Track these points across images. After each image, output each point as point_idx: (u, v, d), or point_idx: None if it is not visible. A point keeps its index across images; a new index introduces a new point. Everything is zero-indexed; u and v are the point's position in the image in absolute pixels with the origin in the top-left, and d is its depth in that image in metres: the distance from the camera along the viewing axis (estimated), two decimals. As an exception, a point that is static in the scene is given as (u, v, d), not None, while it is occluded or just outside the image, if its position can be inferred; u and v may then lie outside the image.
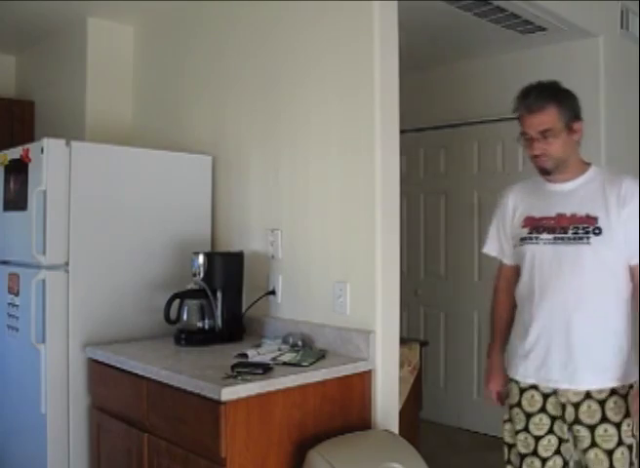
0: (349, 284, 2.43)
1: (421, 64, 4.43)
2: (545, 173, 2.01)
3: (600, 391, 1.92)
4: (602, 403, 1.91)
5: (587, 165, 2.05)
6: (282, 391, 2.07)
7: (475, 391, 4.31)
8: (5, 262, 2.85)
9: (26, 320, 2.59)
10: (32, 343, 2.53)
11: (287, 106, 2.71)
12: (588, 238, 1.92)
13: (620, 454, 1.91)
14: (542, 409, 2.00)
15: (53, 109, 3.88)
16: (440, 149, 4.60)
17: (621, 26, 3.80)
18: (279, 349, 2.40)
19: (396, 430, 2.40)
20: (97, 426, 2.53)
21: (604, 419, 1.91)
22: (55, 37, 3.82)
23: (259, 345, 2.47)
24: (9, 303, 2.77)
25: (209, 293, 2.63)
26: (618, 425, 1.91)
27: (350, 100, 2.44)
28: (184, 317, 2.64)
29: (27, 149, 2.66)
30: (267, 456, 2.05)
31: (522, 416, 2.03)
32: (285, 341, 2.49)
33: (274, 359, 2.25)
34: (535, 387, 2.02)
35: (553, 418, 1.99)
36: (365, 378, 2.33)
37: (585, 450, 1.94)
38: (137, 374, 2.29)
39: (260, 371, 2.08)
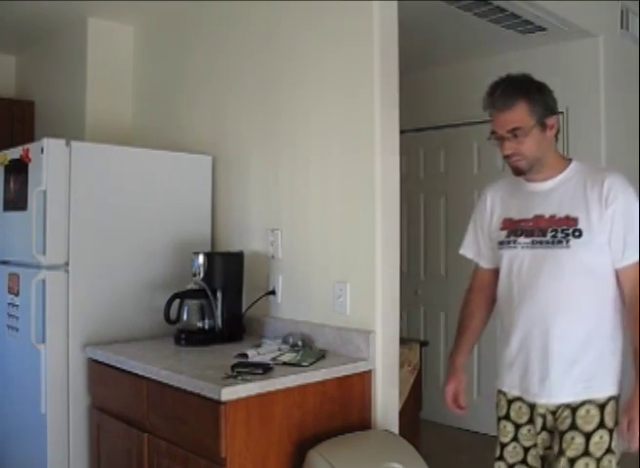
0: (349, 284, 2.43)
1: (421, 64, 4.43)
2: (520, 173, 1.89)
3: (578, 400, 1.82)
4: (574, 410, 1.81)
5: (568, 161, 1.92)
6: (282, 391, 2.07)
7: (475, 391, 4.31)
8: (5, 262, 2.85)
9: (26, 320, 2.59)
10: (32, 343, 2.53)
11: (287, 106, 2.71)
12: (568, 241, 1.80)
13: (584, 466, 1.78)
14: (530, 421, 1.91)
15: (53, 109, 3.88)
16: (440, 149, 4.60)
17: (621, 26, 3.81)
18: (279, 349, 2.40)
19: (396, 430, 2.40)
20: (97, 426, 2.53)
21: (573, 427, 1.80)
22: (55, 37, 3.82)
23: (259, 345, 2.47)
24: (9, 303, 2.77)
25: (209, 293, 2.62)
26: (587, 435, 1.79)
27: (350, 100, 2.44)
28: (184, 317, 2.64)
29: (27, 149, 2.66)
30: (267, 456, 2.05)
31: (510, 428, 1.95)
32: (285, 341, 2.49)
33: (274, 359, 2.25)
34: (520, 398, 1.93)
35: (538, 431, 1.90)
36: (365, 378, 2.33)
37: (556, 459, 1.84)
38: (137, 374, 2.29)
39: (260, 371, 2.08)
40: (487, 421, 4.01)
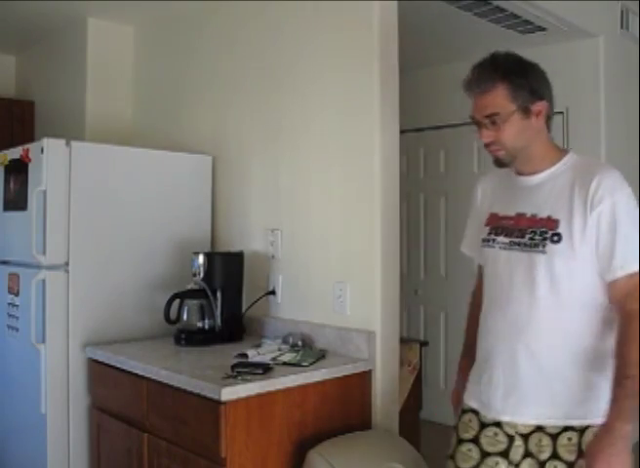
0: (349, 284, 2.43)
1: (421, 64, 4.43)
2: (501, 164, 1.68)
3: (553, 425, 1.59)
4: (554, 437, 1.58)
5: (562, 153, 1.68)
6: (282, 391, 2.07)
7: (475, 391, 4.30)
8: (5, 262, 2.84)
9: (26, 320, 2.59)
10: (32, 343, 2.53)
11: (288, 106, 2.70)
12: (544, 245, 1.58)
13: None
14: (474, 440, 1.67)
15: (53, 109, 3.88)
16: (440, 149, 4.60)
17: (621, 26, 3.81)
18: (279, 349, 2.40)
19: (396, 430, 2.40)
20: (97, 426, 2.53)
21: (554, 456, 1.57)
22: (55, 37, 3.82)
23: (259, 345, 2.47)
24: (9, 303, 2.77)
25: (209, 293, 2.62)
26: (570, 465, 1.56)
27: (351, 100, 2.44)
28: (184, 317, 2.64)
29: (27, 149, 2.66)
30: (267, 456, 2.05)
31: (454, 441, 1.73)
32: (285, 341, 2.49)
33: (274, 359, 2.25)
34: (475, 411, 1.70)
35: (485, 454, 1.64)
36: (365, 378, 2.33)
37: None
38: (137, 374, 2.29)
39: (260, 371, 2.08)
40: (487, 421, 4.01)
